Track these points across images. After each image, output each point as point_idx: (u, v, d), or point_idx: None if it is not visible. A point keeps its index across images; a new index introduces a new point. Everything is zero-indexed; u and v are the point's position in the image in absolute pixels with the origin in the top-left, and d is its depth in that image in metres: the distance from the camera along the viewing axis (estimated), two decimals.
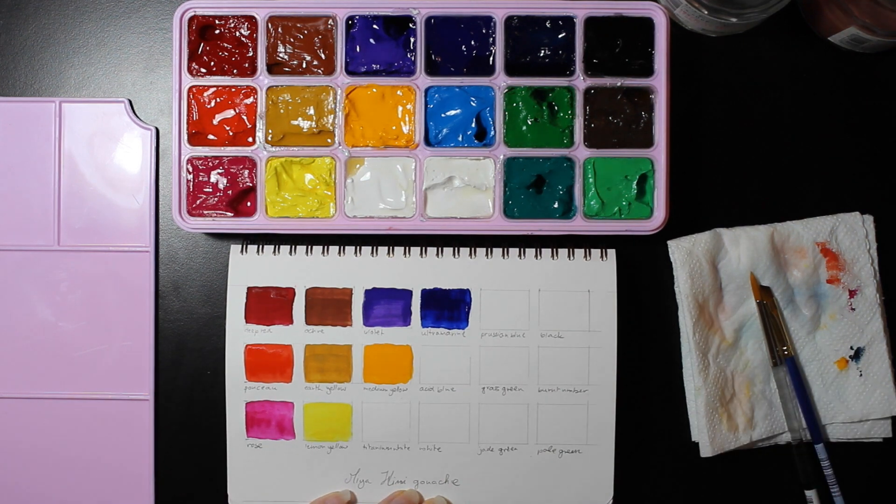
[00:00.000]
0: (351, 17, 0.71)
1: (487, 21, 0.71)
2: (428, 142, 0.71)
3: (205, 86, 0.71)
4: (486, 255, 0.73)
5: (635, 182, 0.71)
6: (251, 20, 0.71)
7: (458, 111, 0.71)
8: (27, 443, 0.74)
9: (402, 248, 0.73)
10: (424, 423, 0.72)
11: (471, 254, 0.73)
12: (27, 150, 0.74)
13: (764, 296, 0.73)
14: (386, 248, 0.73)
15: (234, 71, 0.71)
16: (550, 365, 0.72)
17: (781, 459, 0.74)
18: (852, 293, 0.73)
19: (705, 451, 0.72)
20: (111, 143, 0.74)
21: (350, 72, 0.71)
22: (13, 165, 0.74)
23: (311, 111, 0.71)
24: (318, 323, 0.73)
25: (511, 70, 0.71)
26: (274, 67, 0.71)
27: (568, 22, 0.71)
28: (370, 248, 0.73)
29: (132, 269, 0.74)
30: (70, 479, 0.74)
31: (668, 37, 0.71)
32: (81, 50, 0.75)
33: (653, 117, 0.71)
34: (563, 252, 0.72)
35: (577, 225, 0.71)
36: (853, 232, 0.73)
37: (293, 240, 0.73)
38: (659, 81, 0.71)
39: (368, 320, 0.73)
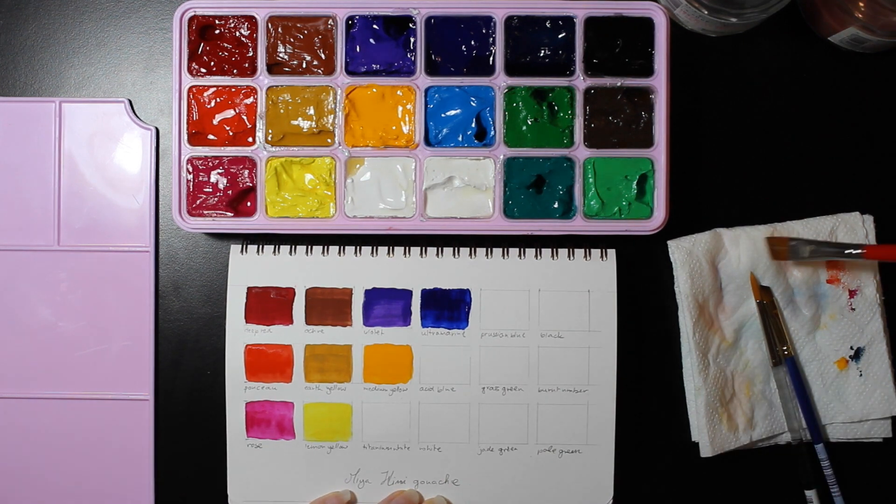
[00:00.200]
0: (351, 17, 0.71)
1: (487, 21, 0.71)
2: (428, 142, 0.71)
3: (205, 86, 0.71)
4: (486, 255, 0.73)
5: (635, 182, 0.71)
6: (251, 20, 0.71)
7: (458, 111, 0.71)
8: (27, 443, 0.74)
9: (402, 248, 0.73)
10: (424, 423, 0.72)
11: (471, 254, 0.73)
12: (27, 150, 0.74)
13: (764, 296, 0.73)
14: (386, 248, 0.73)
15: (234, 71, 0.71)
16: (550, 365, 0.72)
17: (781, 459, 0.74)
18: (852, 293, 0.73)
19: (705, 452, 0.72)
20: (111, 143, 0.74)
21: (350, 72, 0.71)
22: (13, 165, 0.74)
23: (311, 111, 0.71)
24: (318, 323, 0.73)
25: (511, 70, 0.71)
26: (274, 67, 0.71)
27: (568, 22, 0.71)
28: (370, 248, 0.73)
29: (132, 269, 0.74)
30: (70, 479, 0.74)
31: (668, 37, 0.71)
32: (81, 50, 0.75)
33: (653, 117, 0.71)
34: (563, 252, 0.73)
35: (577, 225, 0.71)
36: (853, 232, 0.73)
37: (293, 240, 0.73)
38: (659, 81, 0.71)
39: (368, 320, 0.73)
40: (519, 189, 0.71)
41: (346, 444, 0.72)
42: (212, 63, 0.71)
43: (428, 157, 0.71)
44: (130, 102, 0.74)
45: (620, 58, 0.71)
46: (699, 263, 0.72)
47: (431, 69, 0.71)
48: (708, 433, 0.72)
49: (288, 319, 0.72)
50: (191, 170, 0.71)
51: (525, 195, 0.71)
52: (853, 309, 0.73)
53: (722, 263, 0.73)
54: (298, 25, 0.71)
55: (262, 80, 0.71)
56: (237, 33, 0.71)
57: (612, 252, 0.73)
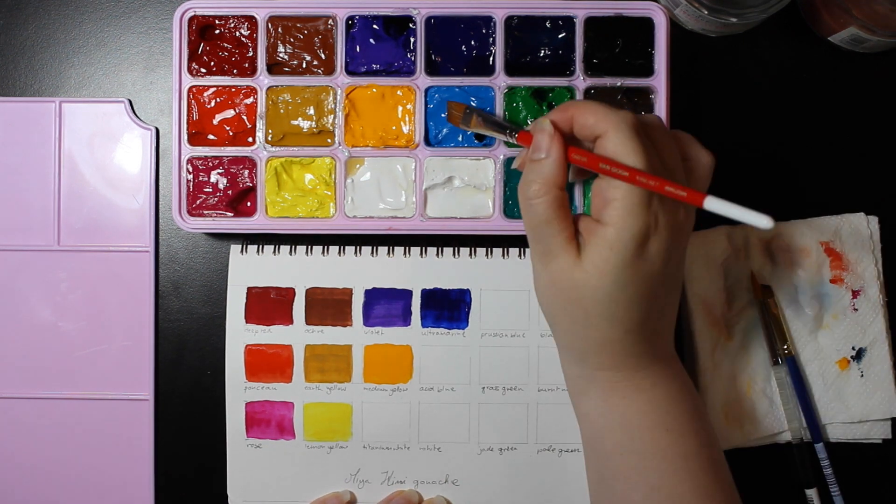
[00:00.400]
0: (351, 17, 0.71)
1: (487, 21, 0.71)
2: (428, 142, 0.71)
3: (205, 86, 0.71)
4: (486, 255, 0.73)
5: None
6: (251, 20, 0.71)
7: None
8: (27, 443, 0.74)
9: (402, 248, 0.73)
10: (424, 423, 0.72)
11: (471, 254, 0.73)
12: (27, 150, 0.74)
13: (765, 294, 0.73)
14: (386, 248, 0.73)
15: (234, 71, 0.71)
16: (550, 365, 0.72)
17: (781, 458, 0.74)
18: (855, 293, 0.73)
19: None
20: (111, 143, 0.74)
21: (350, 72, 0.71)
22: (13, 165, 0.74)
23: (311, 111, 0.71)
24: (318, 323, 0.73)
25: (511, 70, 0.71)
26: (274, 67, 0.71)
27: (568, 22, 0.71)
28: (370, 248, 0.73)
29: (132, 269, 0.74)
30: (70, 479, 0.74)
31: (668, 37, 0.71)
32: (81, 50, 0.75)
33: None
34: None
35: None
36: (857, 232, 0.73)
37: (293, 240, 0.73)
38: (659, 81, 0.71)
39: (368, 320, 0.73)
40: None
41: (346, 444, 0.72)
42: (212, 63, 0.71)
43: (428, 157, 0.71)
44: (130, 102, 0.75)
45: (620, 58, 0.71)
46: (703, 261, 0.72)
47: (431, 69, 0.71)
48: None
49: (288, 319, 0.72)
50: (191, 170, 0.71)
51: None
52: (856, 309, 0.73)
53: (726, 262, 0.73)
54: (298, 25, 0.71)
55: (262, 80, 0.71)
56: (237, 33, 0.71)
57: None
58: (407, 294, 0.73)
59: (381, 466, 0.72)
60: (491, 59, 0.71)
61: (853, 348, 0.73)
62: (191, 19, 0.71)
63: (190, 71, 0.71)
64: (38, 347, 0.74)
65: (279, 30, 0.71)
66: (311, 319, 0.72)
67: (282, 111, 0.71)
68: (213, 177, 0.71)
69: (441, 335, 0.72)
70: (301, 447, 0.72)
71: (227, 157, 0.71)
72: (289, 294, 0.72)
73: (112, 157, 0.74)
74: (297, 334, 0.72)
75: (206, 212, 0.71)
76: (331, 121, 0.71)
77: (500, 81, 0.71)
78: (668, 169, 0.59)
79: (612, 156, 0.57)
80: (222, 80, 0.71)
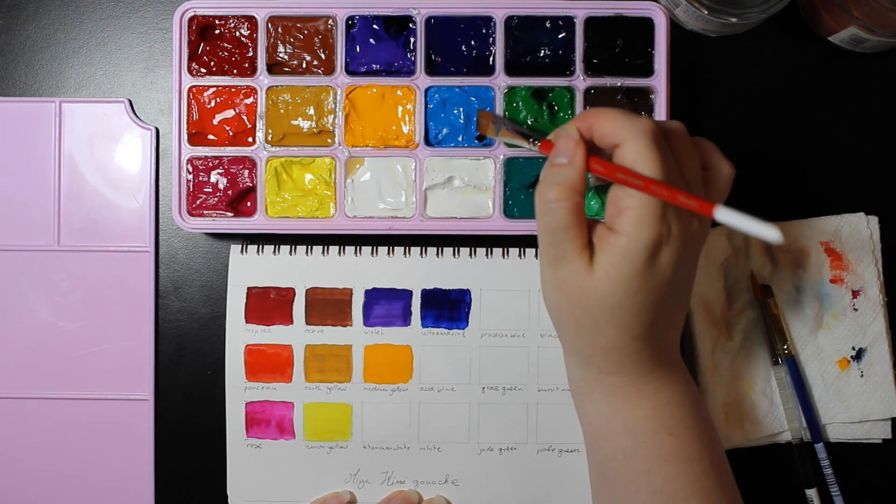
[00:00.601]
0: (351, 17, 0.71)
1: (487, 21, 0.71)
2: (428, 142, 0.71)
3: (205, 86, 0.71)
4: (486, 255, 0.73)
5: None
6: (251, 20, 0.71)
7: (459, 111, 0.71)
8: (27, 443, 0.74)
9: (402, 248, 0.73)
10: (424, 423, 0.72)
11: (471, 254, 0.73)
12: (27, 150, 0.74)
13: (765, 294, 0.73)
14: (386, 248, 0.73)
15: (234, 71, 0.71)
16: (550, 365, 0.72)
17: (782, 458, 0.74)
18: (855, 293, 0.73)
19: None
20: (111, 143, 0.74)
21: (350, 72, 0.71)
22: (13, 165, 0.74)
23: (311, 111, 0.71)
24: (318, 323, 0.73)
25: (511, 70, 0.71)
26: (274, 67, 0.71)
27: (568, 22, 0.71)
28: (370, 248, 0.73)
29: (132, 269, 0.74)
30: (70, 479, 0.74)
31: (668, 37, 0.71)
32: (81, 50, 0.75)
33: (653, 117, 0.71)
34: None
35: None
36: (857, 232, 0.73)
37: (293, 240, 0.73)
38: (659, 81, 0.71)
39: (368, 320, 0.73)
40: (519, 189, 0.71)
41: (345, 444, 0.72)
42: (212, 63, 0.71)
43: (428, 157, 0.71)
44: (130, 102, 0.75)
45: (620, 58, 0.71)
46: (703, 261, 0.72)
47: (431, 69, 0.71)
48: None
49: (288, 319, 0.72)
50: (191, 170, 0.71)
51: (525, 195, 0.71)
52: (856, 309, 0.73)
53: (726, 262, 0.73)
54: (298, 25, 0.71)
55: (262, 80, 0.71)
56: (237, 33, 0.71)
57: None
58: (407, 294, 0.73)
59: (381, 466, 0.72)
60: (491, 59, 0.71)
61: (853, 348, 0.73)
62: (191, 19, 0.71)
63: (190, 71, 0.71)
64: (38, 347, 0.74)
65: (279, 30, 0.71)
66: (311, 319, 0.72)
67: (282, 111, 0.71)
68: (213, 177, 0.71)
69: (441, 335, 0.72)
70: (301, 447, 0.72)
71: (227, 157, 0.71)
72: (289, 294, 0.72)
73: (112, 157, 0.74)
74: (297, 334, 0.72)
75: (206, 212, 0.71)
76: (331, 121, 0.71)
77: (500, 81, 0.71)
78: (687, 179, 0.59)
79: (630, 165, 0.57)
80: (222, 80, 0.71)
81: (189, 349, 0.74)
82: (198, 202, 0.71)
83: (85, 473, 0.74)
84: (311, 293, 0.72)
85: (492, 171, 0.71)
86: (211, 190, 0.71)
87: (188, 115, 0.71)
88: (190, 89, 0.71)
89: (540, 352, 0.72)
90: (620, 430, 0.61)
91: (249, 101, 0.71)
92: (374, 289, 0.73)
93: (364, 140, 0.71)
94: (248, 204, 0.72)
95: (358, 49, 0.71)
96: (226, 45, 0.71)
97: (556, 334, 0.63)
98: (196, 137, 0.71)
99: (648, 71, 0.71)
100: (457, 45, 0.71)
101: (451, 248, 0.73)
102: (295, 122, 0.71)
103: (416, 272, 0.73)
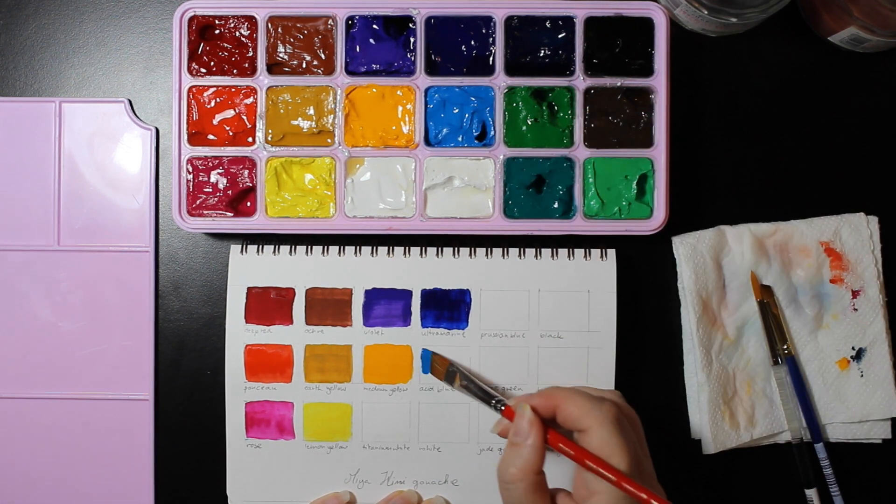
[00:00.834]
0: (351, 17, 0.71)
1: (487, 21, 0.71)
2: (428, 142, 0.71)
3: (205, 86, 0.71)
4: (486, 255, 0.73)
5: (635, 182, 0.71)
6: (251, 20, 0.71)
7: (458, 111, 0.71)
8: (27, 443, 0.74)
9: (402, 248, 0.73)
10: (424, 423, 0.72)
11: (471, 254, 0.73)
12: (27, 150, 0.74)
13: (765, 294, 0.73)
14: (386, 248, 0.73)
15: (234, 71, 0.71)
16: (550, 365, 0.72)
17: (781, 458, 0.74)
18: (855, 293, 0.73)
19: (707, 448, 0.72)
20: (111, 143, 0.74)
21: (350, 72, 0.71)
22: (13, 165, 0.74)
23: (311, 111, 0.71)
24: (318, 323, 0.72)
25: (511, 70, 0.71)
26: (274, 67, 0.71)
27: (568, 22, 0.71)
28: (370, 248, 0.73)
29: (132, 269, 0.74)
30: (70, 479, 0.74)
31: (668, 37, 0.71)
32: (81, 50, 0.75)
33: (653, 117, 0.71)
34: (562, 252, 0.72)
35: (577, 225, 0.71)
36: (857, 232, 0.73)
37: (293, 240, 0.73)
38: (659, 81, 0.71)
39: (368, 320, 0.72)
40: (519, 189, 0.71)
41: (345, 444, 0.72)
42: (212, 63, 0.71)
43: (428, 157, 0.71)
44: (130, 102, 0.75)
45: (620, 58, 0.71)
46: (703, 259, 0.72)
47: (431, 69, 0.71)
48: (710, 430, 0.72)
49: (288, 319, 0.72)
50: (191, 170, 0.71)
51: (525, 195, 0.71)
52: (856, 309, 0.73)
53: (725, 260, 0.73)
54: (298, 25, 0.71)
55: (262, 80, 0.71)
56: (237, 33, 0.71)
57: (611, 252, 0.72)
58: (407, 294, 0.73)
59: (381, 466, 0.72)
60: (491, 59, 0.71)
61: (853, 348, 0.73)
62: (191, 19, 0.71)
63: (190, 71, 0.71)
64: (38, 347, 0.74)
65: (279, 30, 0.71)
66: (311, 319, 0.72)
67: (282, 111, 0.71)
68: (213, 177, 0.71)
69: (441, 335, 0.72)
70: (301, 447, 0.72)
71: (227, 157, 0.71)
72: (289, 294, 0.72)
73: (112, 157, 0.74)
74: (297, 334, 0.72)
75: (206, 212, 0.71)
76: (331, 121, 0.71)
77: (500, 81, 0.71)
78: (642, 465, 0.62)
79: (597, 451, 0.60)
80: (222, 80, 0.71)
81: (189, 349, 0.74)
82: (198, 202, 0.71)
83: (85, 473, 0.74)
84: (311, 293, 0.72)
85: (492, 171, 0.71)
86: (211, 190, 0.71)
87: (188, 115, 0.71)
88: (190, 89, 0.71)
89: (540, 352, 0.72)
90: None
91: (249, 101, 0.71)
92: (374, 289, 0.73)
93: (364, 140, 0.71)
94: (248, 204, 0.72)
95: (358, 49, 0.71)
96: (226, 45, 0.71)
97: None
98: (196, 137, 0.71)
99: (648, 71, 0.71)
100: (457, 45, 0.71)
101: (451, 248, 0.73)
102: (295, 122, 0.71)
103: (416, 272, 0.73)
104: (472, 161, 0.71)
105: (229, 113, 0.71)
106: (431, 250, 0.73)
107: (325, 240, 0.73)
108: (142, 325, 0.74)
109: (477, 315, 0.72)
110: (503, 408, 0.66)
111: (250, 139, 0.72)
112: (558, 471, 0.66)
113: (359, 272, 0.73)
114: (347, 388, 0.72)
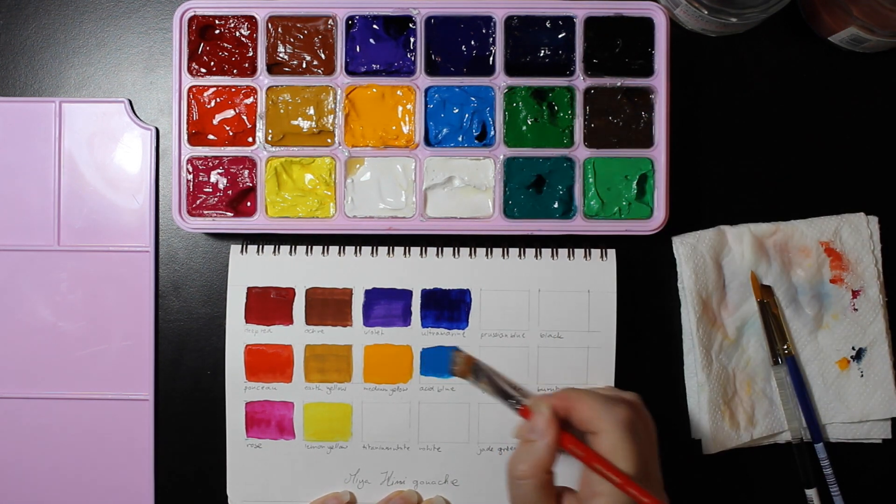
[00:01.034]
0: (351, 17, 0.71)
1: (487, 21, 0.71)
2: (428, 142, 0.71)
3: (205, 86, 0.71)
4: (486, 255, 0.73)
5: (635, 182, 0.71)
6: (251, 20, 0.71)
7: (458, 111, 0.71)
8: (27, 443, 0.74)
9: (402, 248, 0.73)
10: (424, 423, 0.72)
11: (471, 254, 0.73)
12: (27, 150, 0.74)
13: (765, 294, 0.73)
14: (386, 248, 0.73)
15: (234, 71, 0.71)
16: (550, 365, 0.72)
17: (782, 458, 0.74)
18: (855, 293, 0.73)
19: (707, 448, 0.72)
20: (111, 143, 0.74)
21: (350, 72, 0.71)
22: (13, 165, 0.74)
23: (311, 111, 0.71)
24: (318, 323, 0.72)
25: (511, 70, 0.71)
26: (274, 67, 0.71)
27: (568, 22, 0.71)
28: (370, 248, 0.73)
29: (132, 269, 0.74)
30: (70, 479, 0.74)
31: (668, 37, 0.71)
32: (81, 50, 0.75)
33: (653, 117, 0.71)
34: (563, 252, 0.72)
35: (577, 225, 0.71)
36: (857, 232, 0.73)
37: (293, 240, 0.73)
38: (659, 81, 0.71)
39: (368, 320, 0.72)
40: (519, 189, 0.71)
41: (345, 444, 0.72)
42: (212, 63, 0.71)
43: (428, 157, 0.71)
44: (130, 102, 0.75)
45: (620, 58, 0.71)
46: (703, 259, 0.72)
47: (431, 69, 0.71)
48: (710, 430, 0.72)
49: (288, 319, 0.72)
50: (191, 170, 0.71)
51: (525, 195, 0.71)
52: (856, 309, 0.73)
53: (725, 260, 0.73)
54: (298, 25, 0.71)
55: (262, 80, 0.71)
56: (237, 33, 0.71)
57: (612, 252, 0.72)
58: (407, 294, 0.73)
59: (381, 466, 0.72)
60: (491, 59, 0.71)
61: (853, 348, 0.73)
62: (191, 19, 0.71)
63: (190, 71, 0.71)
64: (38, 347, 0.74)
65: (279, 30, 0.71)
66: (311, 319, 0.72)
67: (282, 111, 0.71)
68: (213, 177, 0.71)
69: (441, 335, 0.72)
70: (301, 447, 0.72)
71: (227, 157, 0.71)
72: (289, 294, 0.72)
73: (112, 157, 0.74)
74: (297, 334, 0.72)
75: (206, 212, 0.71)
76: (331, 121, 0.71)
77: (500, 81, 0.71)
78: (649, 470, 0.62)
79: (606, 455, 0.60)
80: (222, 80, 0.71)
81: (189, 349, 0.74)
82: (198, 202, 0.71)
83: (85, 473, 0.74)
84: (311, 293, 0.72)
85: (492, 171, 0.71)
86: (211, 190, 0.71)
87: (188, 115, 0.71)
88: (190, 89, 0.71)
89: (540, 352, 0.72)
90: None
91: (249, 101, 0.71)
92: (374, 289, 0.73)
93: (364, 140, 0.71)
94: (248, 204, 0.72)
95: (358, 49, 0.71)
96: (226, 45, 0.71)
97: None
98: (196, 137, 0.71)
99: (648, 71, 0.71)
100: (457, 45, 0.71)
101: (451, 248, 0.73)
102: (295, 122, 0.71)
103: (416, 272, 0.73)
104: (472, 161, 0.71)
105: (229, 113, 0.71)
106: (431, 250, 0.73)
107: (325, 240, 0.73)
108: (142, 325, 0.74)
109: (477, 315, 0.72)
110: (520, 407, 0.66)
111: (250, 139, 0.72)
112: (564, 469, 0.66)
113: (359, 272, 0.73)
114: (347, 388, 0.72)
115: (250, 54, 0.71)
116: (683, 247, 0.73)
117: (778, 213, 0.74)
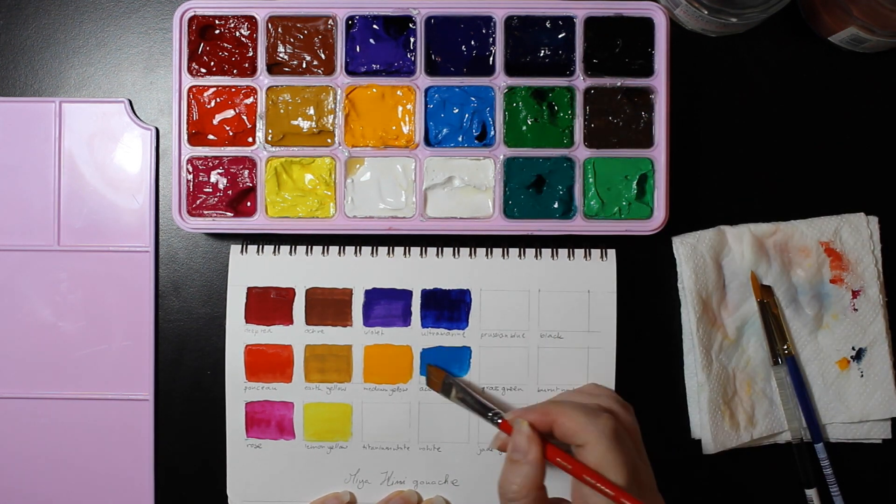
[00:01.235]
0: (351, 17, 0.71)
1: (487, 21, 0.71)
2: (428, 142, 0.71)
3: (205, 86, 0.71)
4: (486, 255, 0.73)
5: (635, 182, 0.71)
6: (251, 20, 0.71)
7: (458, 111, 0.71)
8: (27, 443, 0.74)
9: (402, 248, 0.73)
10: (424, 423, 0.72)
11: (471, 254, 0.73)
12: (27, 150, 0.74)
13: (765, 294, 0.73)
14: (386, 248, 0.73)
15: (234, 71, 0.71)
16: (550, 365, 0.72)
17: (782, 458, 0.74)
18: (855, 293, 0.73)
19: (708, 449, 0.72)
20: (111, 143, 0.74)
21: (350, 72, 0.71)
22: (13, 165, 0.74)
23: (311, 111, 0.71)
24: (319, 323, 0.72)
25: (511, 70, 0.71)
26: (274, 67, 0.71)
27: (568, 22, 0.71)
28: (370, 248, 0.73)
29: (132, 269, 0.74)
30: (70, 479, 0.74)
31: (668, 37, 0.71)
32: (81, 50, 0.75)
33: (653, 117, 0.71)
34: (563, 252, 0.72)
35: (577, 225, 0.71)
36: (857, 232, 0.73)
37: (293, 240, 0.73)
38: (659, 81, 0.71)
39: (368, 320, 0.72)
40: (519, 189, 0.71)
41: (345, 444, 0.72)
42: (212, 63, 0.71)
43: (428, 157, 0.71)
44: (130, 102, 0.75)
45: (620, 58, 0.71)
46: (703, 259, 0.72)
47: (431, 69, 0.71)
48: (711, 430, 0.72)
49: (288, 319, 0.72)
50: (191, 170, 0.71)
51: (525, 195, 0.71)
52: (856, 309, 0.73)
53: (725, 260, 0.73)
54: (298, 25, 0.71)
55: (262, 80, 0.71)
56: (237, 33, 0.71)
57: (612, 252, 0.72)
58: (407, 294, 0.73)
59: (381, 467, 0.72)
60: (491, 59, 0.71)
61: (853, 348, 0.73)
62: (191, 19, 0.71)
63: (190, 71, 0.71)
64: (38, 347, 0.74)
65: (279, 30, 0.71)
66: (311, 319, 0.72)
67: (282, 111, 0.71)
68: (213, 177, 0.71)
69: (441, 335, 0.72)
70: (301, 447, 0.72)
71: (227, 157, 0.71)
72: (289, 294, 0.72)
73: (112, 157, 0.74)
74: (297, 334, 0.72)
75: (206, 212, 0.71)
76: (331, 121, 0.71)
77: (500, 81, 0.71)
78: (640, 477, 0.62)
79: (595, 467, 0.60)
80: (222, 80, 0.71)
81: (189, 349, 0.74)
82: (198, 202, 0.71)
83: (85, 473, 0.74)
84: (311, 293, 0.72)
85: (492, 171, 0.71)
86: (211, 190, 0.71)
87: (188, 115, 0.71)
88: (190, 89, 0.71)
89: (540, 352, 0.72)
90: None
91: (249, 101, 0.71)
92: (374, 289, 0.73)
93: (364, 140, 0.71)
94: (248, 204, 0.72)
95: (358, 49, 0.71)
96: (226, 45, 0.71)
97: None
98: (196, 137, 0.71)
99: (648, 71, 0.71)
100: (457, 45, 0.71)
101: (451, 249, 0.73)
102: (295, 122, 0.71)
103: (416, 272, 0.73)
104: (472, 161, 0.71)
105: (229, 113, 0.71)
106: (431, 250, 0.73)
107: (325, 240, 0.73)
108: (142, 325, 0.74)
109: (477, 315, 0.72)
110: (500, 421, 0.66)
111: (250, 139, 0.72)
112: (556, 482, 0.66)
113: (359, 272, 0.73)
114: (347, 388, 0.72)
115: (250, 54, 0.71)
116: (683, 247, 0.73)
117: (778, 213, 0.74)
